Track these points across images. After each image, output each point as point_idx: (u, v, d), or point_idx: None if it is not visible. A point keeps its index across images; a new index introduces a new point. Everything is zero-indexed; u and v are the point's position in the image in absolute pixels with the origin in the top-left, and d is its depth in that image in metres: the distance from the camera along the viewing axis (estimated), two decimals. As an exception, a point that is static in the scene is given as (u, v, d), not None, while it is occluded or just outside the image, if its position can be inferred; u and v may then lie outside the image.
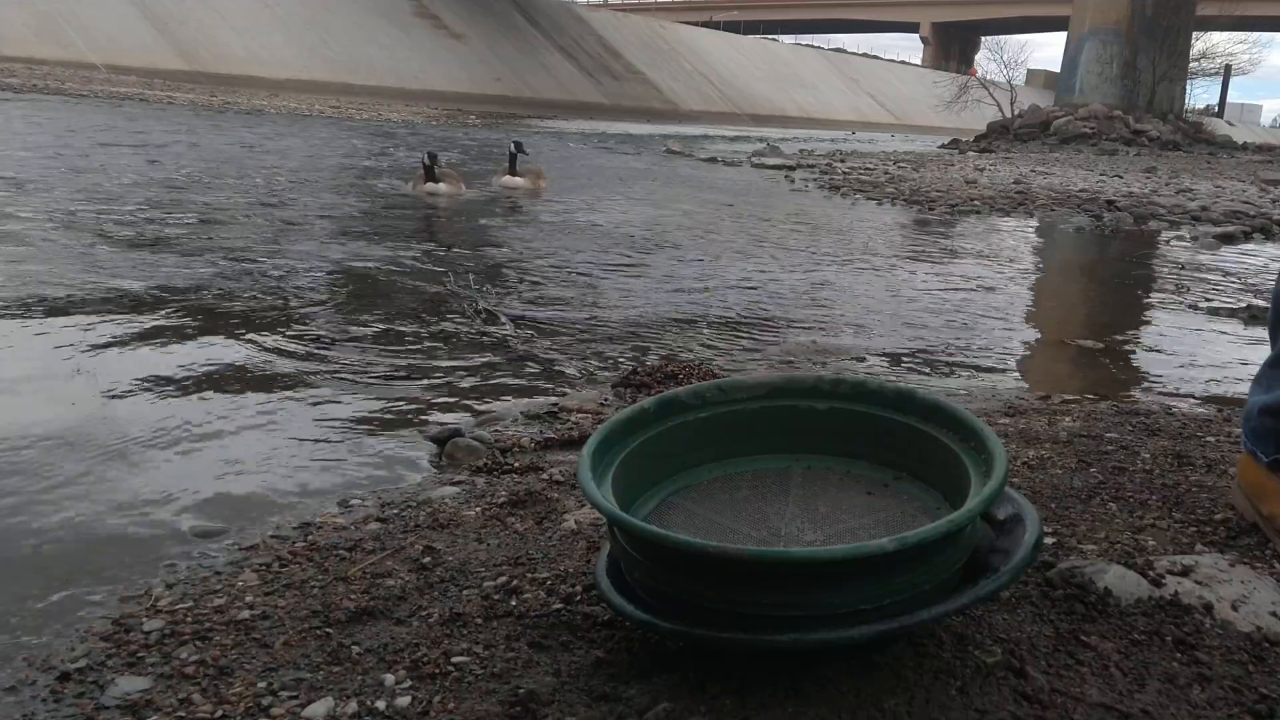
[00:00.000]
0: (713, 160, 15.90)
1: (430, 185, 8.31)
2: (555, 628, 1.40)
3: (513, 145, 9.32)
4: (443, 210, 7.52)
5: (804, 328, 4.11)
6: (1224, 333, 4.54)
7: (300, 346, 3.28)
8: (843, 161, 16.66)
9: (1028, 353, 4.18)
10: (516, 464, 2.21)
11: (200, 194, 7.07)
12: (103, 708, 1.23)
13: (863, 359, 3.65)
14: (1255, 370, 1.82)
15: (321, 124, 17.56)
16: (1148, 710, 1.20)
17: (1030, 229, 9.15)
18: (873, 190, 11.45)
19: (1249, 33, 45.24)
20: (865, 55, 66.18)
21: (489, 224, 6.92)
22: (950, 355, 3.82)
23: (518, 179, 9.08)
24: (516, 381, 3.05)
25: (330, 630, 1.41)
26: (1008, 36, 58.11)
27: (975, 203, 10.50)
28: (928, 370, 3.56)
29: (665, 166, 14.15)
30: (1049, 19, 60.05)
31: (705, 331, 3.95)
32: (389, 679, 1.27)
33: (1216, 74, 46.93)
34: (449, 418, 2.61)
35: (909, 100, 57.11)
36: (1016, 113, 32.27)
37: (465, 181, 8.75)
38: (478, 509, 1.91)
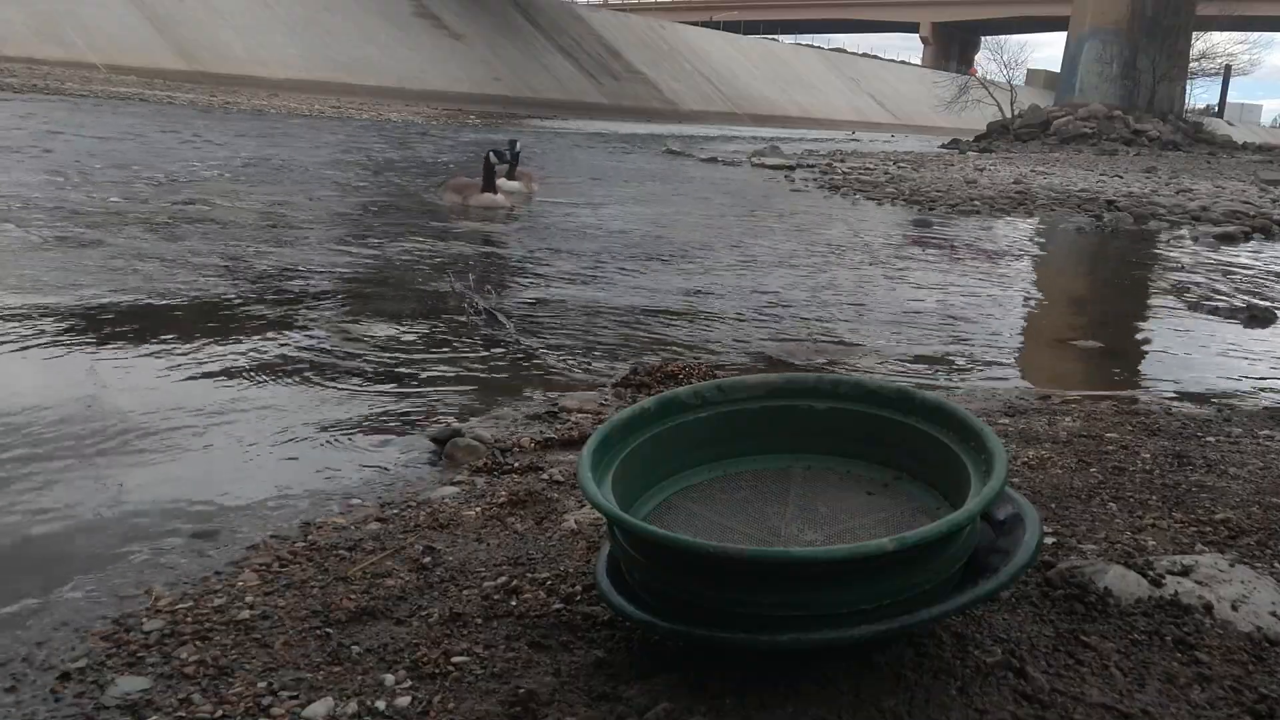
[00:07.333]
0: (713, 160, 15.89)
1: (488, 196, 7.15)
2: (555, 628, 1.40)
3: (510, 145, 9.27)
4: (444, 212, 7.50)
5: (804, 328, 4.10)
6: (1224, 333, 4.54)
7: (300, 347, 3.28)
8: (843, 161, 16.64)
9: (1028, 353, 4.18)
10: (516, 464, 2.21)
11: (199, 194, 7.07)
12: (103, 708, 1.23)
13: (863, 359, 3.64)
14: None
15: (322, 124, 17.56)
16: (1148, 710, 1.20)
17: (1030, 229, 9.15)
18: (873, 190, 11.44)
19: (1249, 33, 45.27)
20: (865, 55, 66.14)
21: (489, 225, 6.92)
22: (950, 355, 3.82)
23: (514, 183, 9.06)
24: (516, 381, 3.05)
25: (330, 630, 1.41)
26: (1008, 36, 58.03)
27: (975, 203, 10.49)
28: (928, 370, 3.56)
29: (665, 166, 14.14)
30: (1049, 19, 59.98)
31: (705, 331, 3.95)
32: (389, 679, 1.27)
33: (1216, 74, 46.93)
34: (449, 418, 2.61)
35: (909, 100, 57.04)
36: (1016, 113, 32.24)
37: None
38: (478, 509, 1.91)
